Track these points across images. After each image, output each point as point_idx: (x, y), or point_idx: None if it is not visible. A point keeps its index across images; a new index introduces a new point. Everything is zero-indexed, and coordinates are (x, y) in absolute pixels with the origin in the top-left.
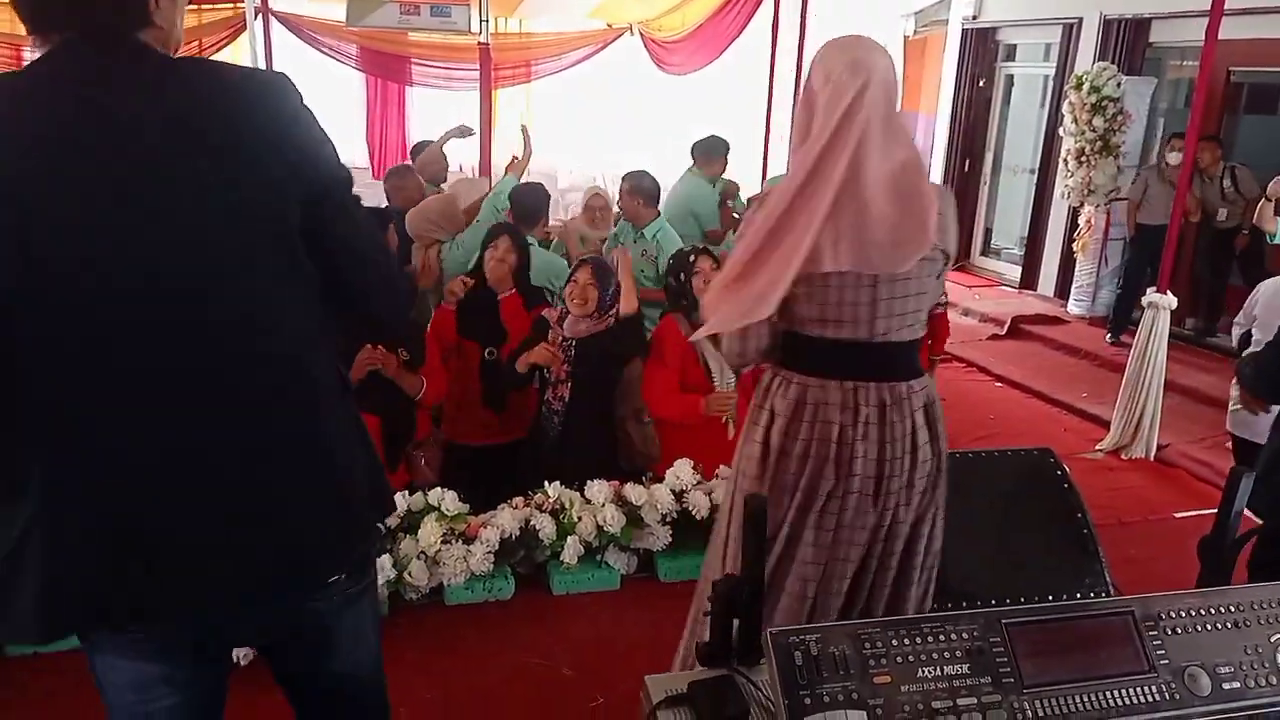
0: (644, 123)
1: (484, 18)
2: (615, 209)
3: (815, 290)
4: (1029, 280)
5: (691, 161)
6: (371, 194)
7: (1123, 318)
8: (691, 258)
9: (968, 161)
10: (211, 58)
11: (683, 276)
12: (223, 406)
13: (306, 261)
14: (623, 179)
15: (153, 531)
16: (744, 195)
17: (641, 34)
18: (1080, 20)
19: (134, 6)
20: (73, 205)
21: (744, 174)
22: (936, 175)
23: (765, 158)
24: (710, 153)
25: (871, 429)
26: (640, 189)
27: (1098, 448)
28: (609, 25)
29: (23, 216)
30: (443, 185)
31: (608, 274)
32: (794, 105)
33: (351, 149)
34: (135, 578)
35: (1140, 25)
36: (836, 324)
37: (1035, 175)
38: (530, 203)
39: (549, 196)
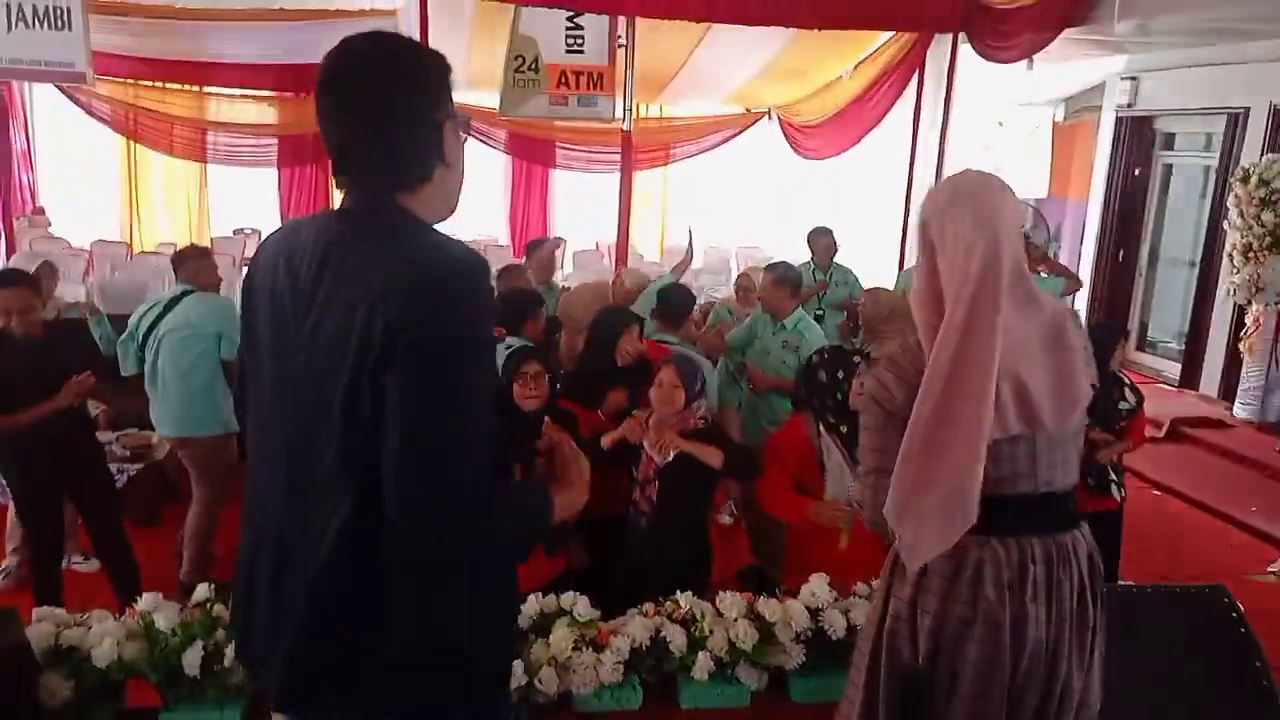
0: (780, 206)
1: (628, 106)
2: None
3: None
4: (1189, 379)
5: None
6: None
7: None
8: (856, 359)
9: (1122, 252)
10: (438, 233)
11: (840, 374)
12: (290, 516)
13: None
14: (765, 270)
15: (244, 588)
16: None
17: (780, 118)
18: (1247, 110)
19: (422, 158)
20: (267, 324)
21: (881, 261)
22: (1088, 265)
23: (903, 244)
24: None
25: (1040, 589)
26: (787, 280)
27: (1270, 569)
28: (748, 109)
29: (251, 318)
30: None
31: (693, 372)
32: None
33: (494, 227)
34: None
35: None
36: (996, 480)
37: (1196, 268)
38: (677, 302)
39: (694, 300)
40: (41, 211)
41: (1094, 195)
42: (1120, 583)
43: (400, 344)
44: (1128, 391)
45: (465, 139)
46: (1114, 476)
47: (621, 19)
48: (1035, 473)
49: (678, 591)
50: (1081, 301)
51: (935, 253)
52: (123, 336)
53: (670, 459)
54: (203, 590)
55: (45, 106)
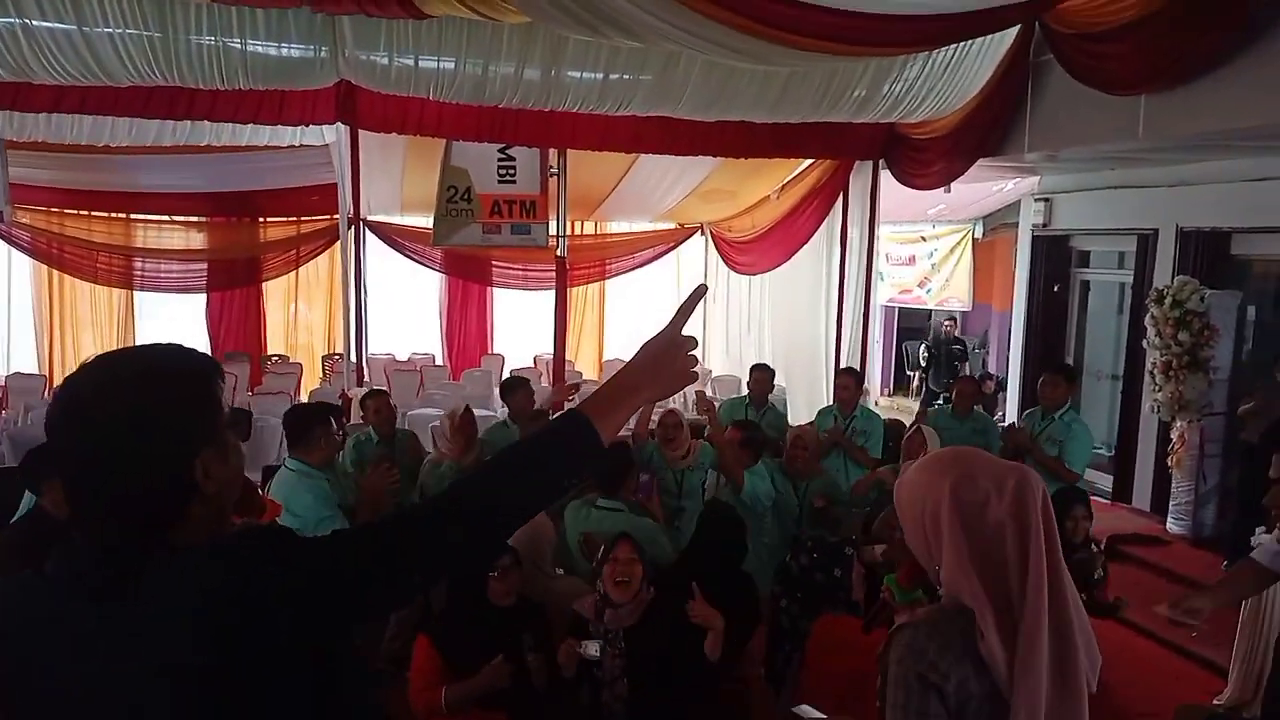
0: (714, 317)
1: (561, 232)
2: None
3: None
4: (1122, 492)
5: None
6: (446, 394)
7: (1241, 543)
8: (848, 551)
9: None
10: (234, 549)
11: (838, 572)
12: None
13: None
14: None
15: None
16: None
17: (712, 234)
18: (1156, 231)
19: (170, 511)
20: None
21: (816, 366)
22: (1015, 377)
23: (836, 356)
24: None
25: None
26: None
27: (1216, 702)
28: (680, 225)
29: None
30: None
31: (648, 542)
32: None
33: (430, 344)
34: None
35: (1219, 238)
36: None
37: (1120, 382)
38: (611, 465)
39: (632, 460)
40: None
41: (1017, 309)
42: None
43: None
44: (1100, 562)
45: (240, 448)
46: None
47: (553, 149)
48: None
49: None
50: (1011, 411)
51: (968, 529)
52: None
53: (634, 622)
54: None
55: None
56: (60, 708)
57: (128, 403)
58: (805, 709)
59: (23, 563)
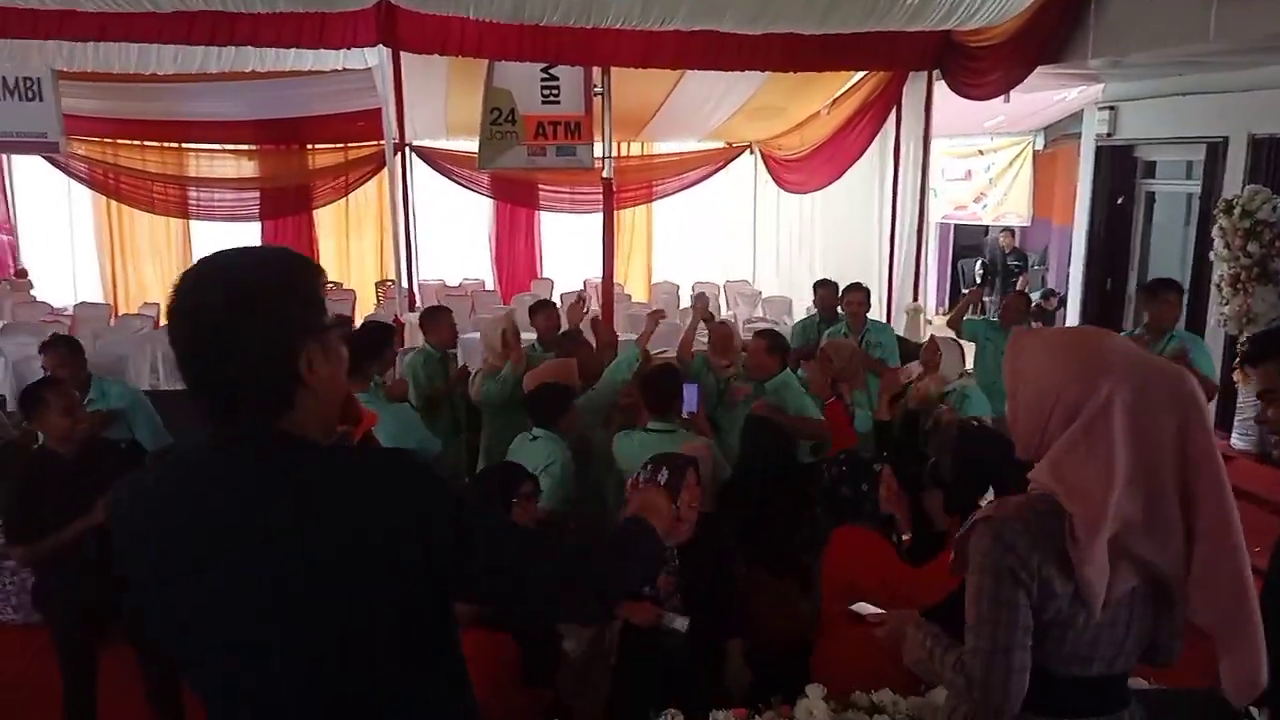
0: (764, 237)
1: (607, 153)
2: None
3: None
4: None
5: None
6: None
7: None
8: (876, 466)
9: (1110, 280)
10: (355, 444)
11: (865, 487)
12: None
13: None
14: (757, 336)
15: None
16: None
17: (761, 152)
18: (1226, 139)
19: (278, 396)
20: (185, 584)
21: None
22: (1076, 293)
23: (890, 272)
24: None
25: None
26: (777, 349)
27: None
28: (729, 144)
29: (153, 580)
30: None
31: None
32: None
33: (480, 270)
34: None
35: None
36: (1099, 661)
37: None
38: (666, 387)
39: (680, 381)
40: (24, 274)
41: (1078, 223)
42: None
43: (455, 545)
44: None
45: (342, 350)
46: None
47: (596, 68)
48: (1121, 654)
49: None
50: None
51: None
52: None
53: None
54: None
55: (24, 167)
56: (181, 592)
57: (231, 293)
58: (863, 605)
59: (28, 498)
